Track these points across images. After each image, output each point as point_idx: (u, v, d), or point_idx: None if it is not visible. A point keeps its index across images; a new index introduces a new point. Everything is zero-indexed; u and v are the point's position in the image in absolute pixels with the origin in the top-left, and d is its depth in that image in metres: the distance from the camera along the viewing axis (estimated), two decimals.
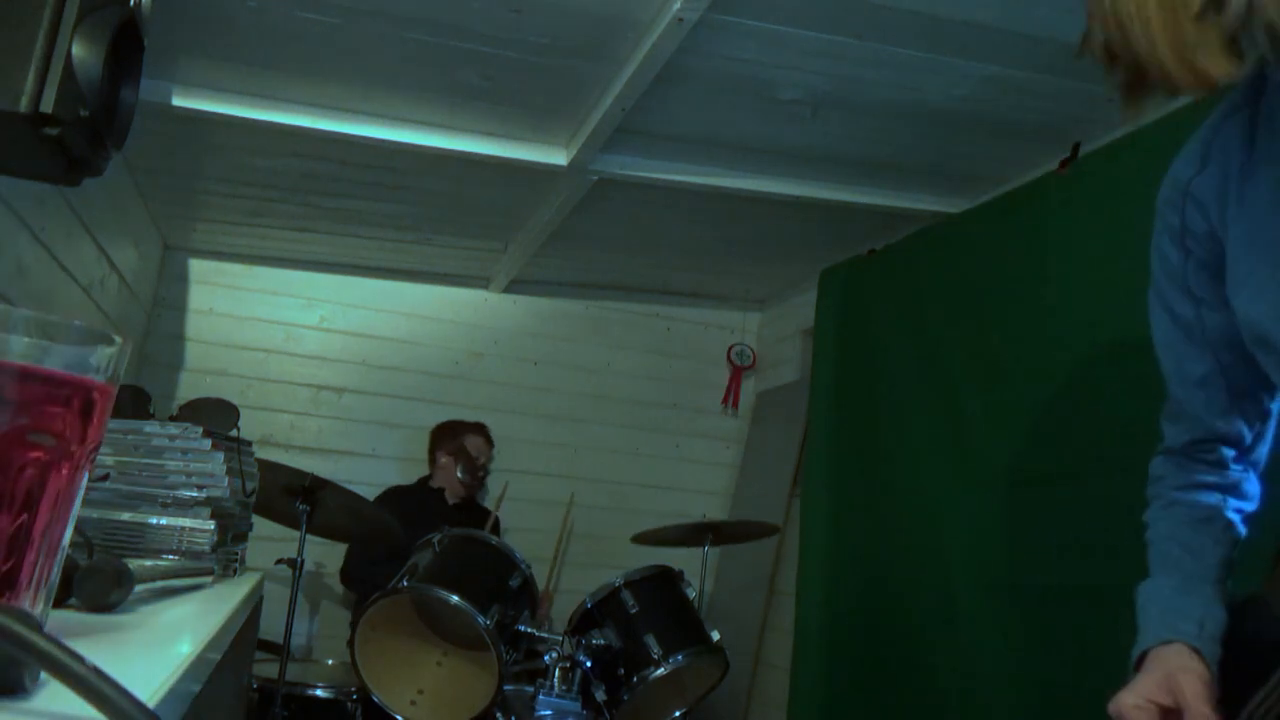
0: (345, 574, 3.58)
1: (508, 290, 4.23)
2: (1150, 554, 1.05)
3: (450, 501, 3.75)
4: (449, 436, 3.83)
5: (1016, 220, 2.58)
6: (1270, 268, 0.86)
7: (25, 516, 0.51)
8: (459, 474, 3.73)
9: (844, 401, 3.31)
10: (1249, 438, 1.02)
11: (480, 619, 2.33)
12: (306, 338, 3.98)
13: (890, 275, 3.16)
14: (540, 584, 3.08)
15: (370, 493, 3.02)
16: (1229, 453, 1.02)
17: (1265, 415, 1.02)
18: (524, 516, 4.06)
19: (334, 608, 3.84)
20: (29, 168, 1.28)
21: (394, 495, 3.69)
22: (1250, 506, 1.03)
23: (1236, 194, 0.90)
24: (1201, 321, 0.97)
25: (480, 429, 3.89)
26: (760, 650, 3.84)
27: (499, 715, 2.45)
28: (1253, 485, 1.04)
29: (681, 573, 2.76)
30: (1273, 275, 0.85)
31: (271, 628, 2.88)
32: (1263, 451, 1.04)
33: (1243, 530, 1.02)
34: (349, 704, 2.74)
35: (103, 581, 0.80)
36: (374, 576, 3.03)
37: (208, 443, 1.39)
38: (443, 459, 3.78)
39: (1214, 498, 1.02)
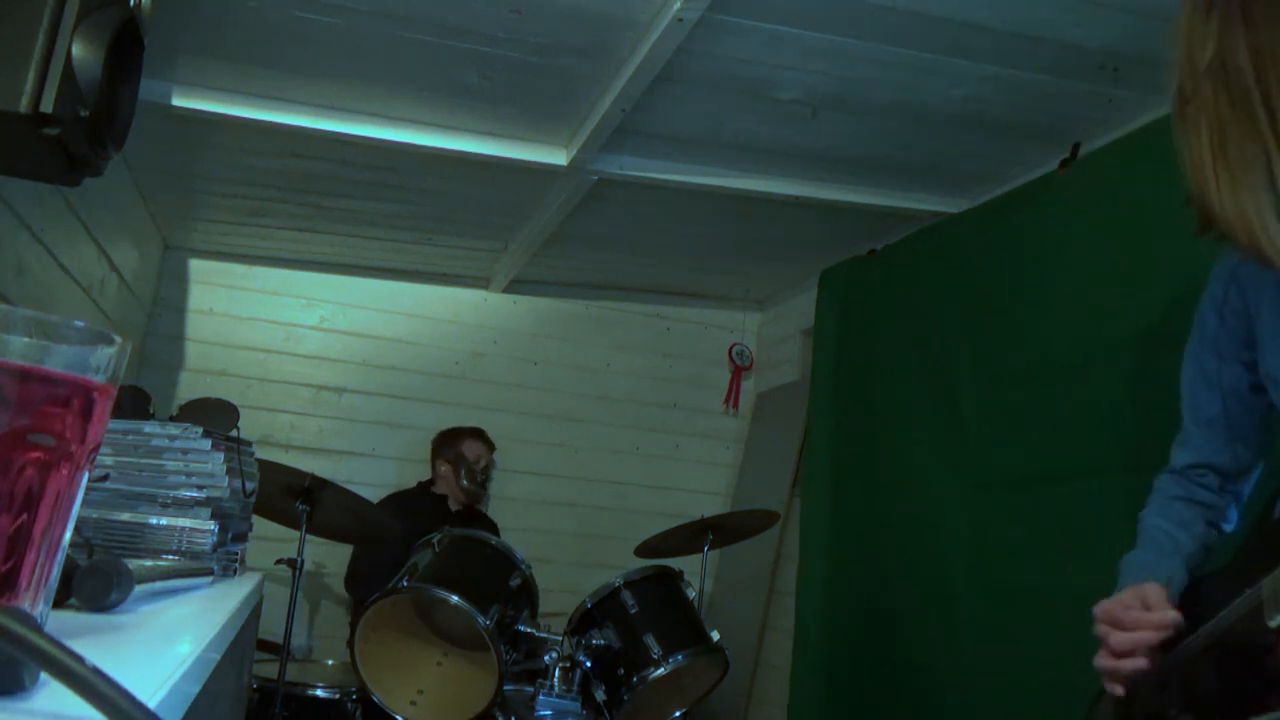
0: (350, 580, 3.55)
1: (508, 290, 4.23)
2: (1138, 538, 1.29)
3: (453, 508, 3.72)
4: (447, 444, 3.79)
5: (1016, 220, 2.58)
6: None
7: (25, 516, 0.51)
8: (461, 481, 3.71)
9: (844, 401, 3.31)
10: (1235, 472, 1.28)
11: (480, 619, 2.33)
12: (306, 338, 3.98)
13: (890, 275, 3.16)
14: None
15: (370, 493, 3.02)
16: (1217, 480, 1.28)
17: (1254, 457, 1.27)
18: (524, 517, 4.06)
19: (334, 608, 3.83)
20: (29, 168, 1.28)
21: (396, 501, 3.67)
22: (1227, 527, 1.28)
23: (1274, 285, 1.14)
24: (1220, 375, 1.24)
25: (478, 434, 3.83)
26: (760, 650, 3.84)
27: (499, 715, 2.45)
28: (1231, 512, 1.29)
29: (681, 573, 2.77)
30: None
31: (271, 628, 2.88)
32: (1245, 487, 1.29)
33: (1212, 541, 1.27)
34: (349, 704, 2.74)
35: (103, 581, 0.80)
36: (380, 582, 3.02)
37: (208, 443, 1.39)
38: (442, 467, 3.75)
39: (1199, 511, 1.28)
